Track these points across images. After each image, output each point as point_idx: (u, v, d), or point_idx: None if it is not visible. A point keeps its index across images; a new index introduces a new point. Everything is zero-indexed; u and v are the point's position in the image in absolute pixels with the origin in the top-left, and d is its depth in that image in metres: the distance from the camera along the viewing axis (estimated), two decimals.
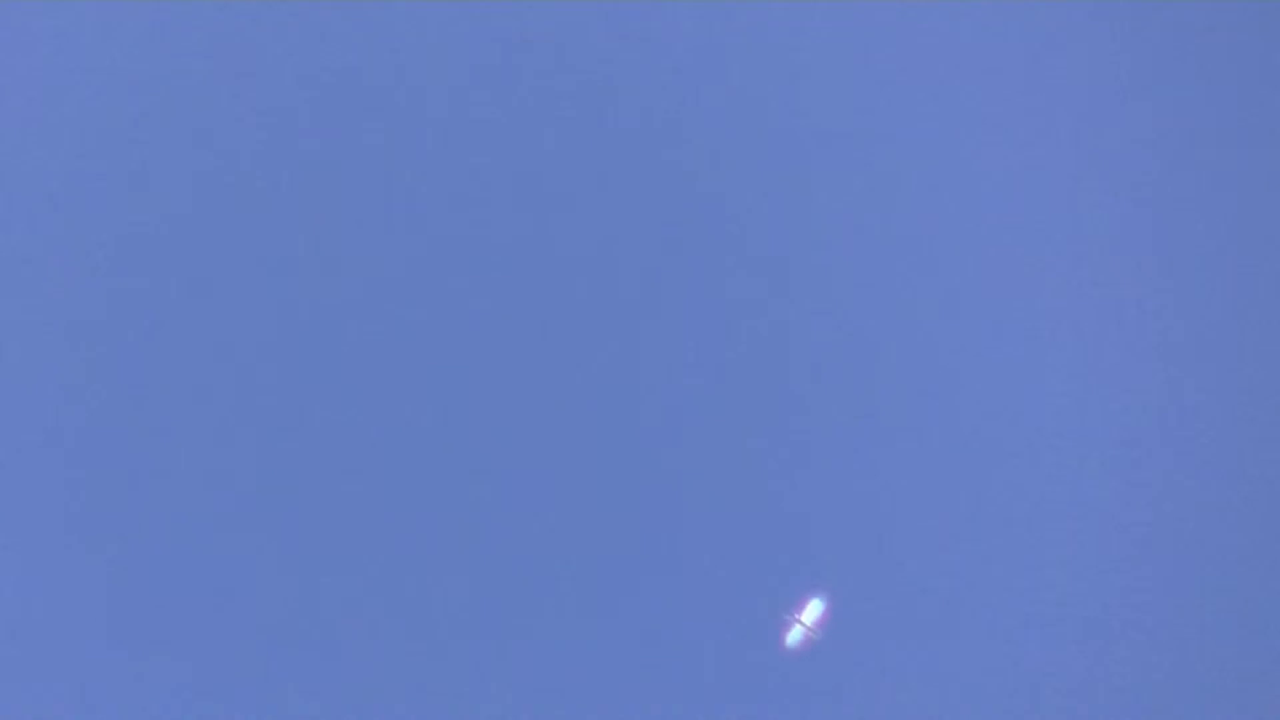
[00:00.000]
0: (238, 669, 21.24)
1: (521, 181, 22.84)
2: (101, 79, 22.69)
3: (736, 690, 21.25)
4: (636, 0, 22.93)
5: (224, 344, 22.22)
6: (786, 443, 21.94)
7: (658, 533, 21.74)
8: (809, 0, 22.83)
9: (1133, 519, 21.41)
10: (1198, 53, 22.35)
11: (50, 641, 21.17)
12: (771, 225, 22.64)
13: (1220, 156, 22.20)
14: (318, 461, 21.94)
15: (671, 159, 22.84)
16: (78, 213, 22.45)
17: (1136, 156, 22.34)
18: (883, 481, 21.73)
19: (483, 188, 22.86)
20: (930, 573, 21.41)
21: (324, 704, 21.21)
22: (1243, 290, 21.90)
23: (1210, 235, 22.07)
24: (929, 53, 22.65)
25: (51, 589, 21.32)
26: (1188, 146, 22.29)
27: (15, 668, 20.98)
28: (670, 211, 22.74)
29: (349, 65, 22.99)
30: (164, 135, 22.72)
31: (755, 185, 22.74)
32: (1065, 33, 22.51)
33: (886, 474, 21.76)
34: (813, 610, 21.11)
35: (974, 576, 21.35)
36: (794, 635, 21.09)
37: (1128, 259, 22.13)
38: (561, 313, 22.46)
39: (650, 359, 22.28)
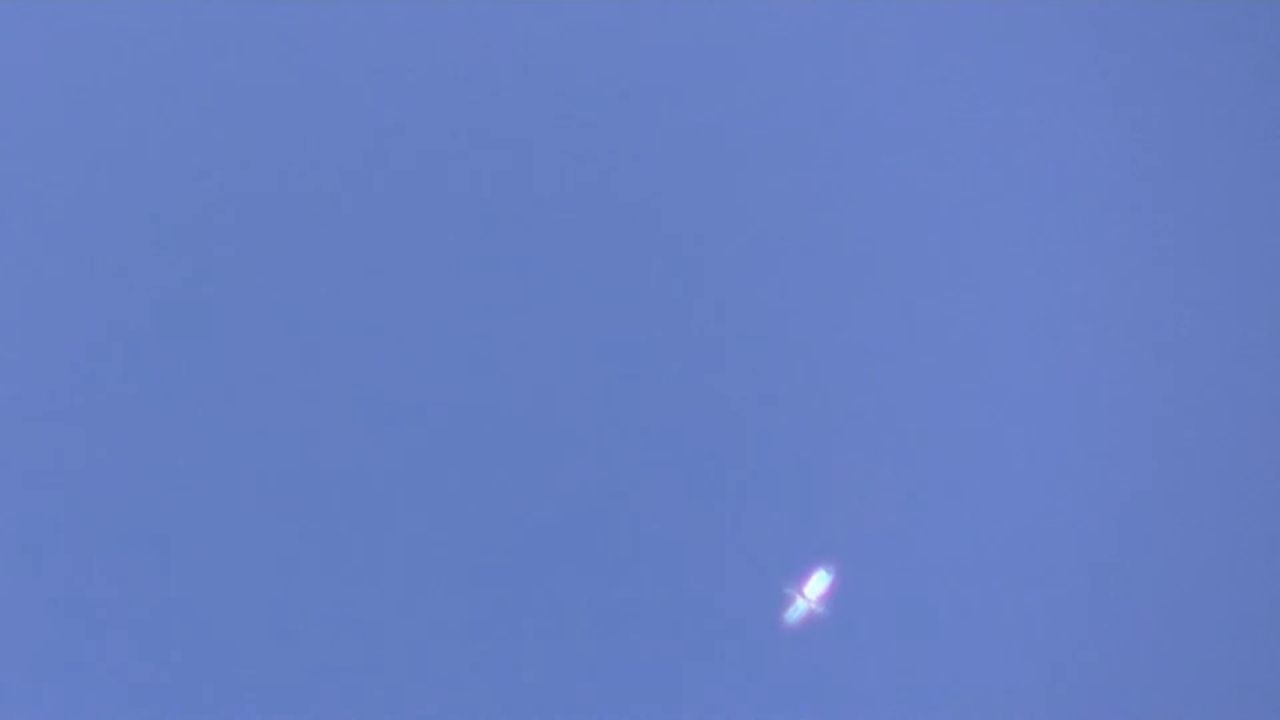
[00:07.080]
0: (238, 668, 21.26)
1: (522, 181, 22.87)
2: (102, 79, 22.72)
3: (735, 690, 21.27)
4: (636, 0, 22.98)
5: (223, 343, 22.25)
6: (786, 442, 21.97)
7: (657, 533, 21.77)
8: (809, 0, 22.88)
9: (1132, 518, 21.44)
10: (1197, 53, 22.39)
11: (50, 641, 21.19)
12: (769, 224, 22.69)
13: (1220, 157, 22.24)
14: (317, 462, 21.97)
15: (673, 159, 22.88)
16: (77, 212, 22.48)
17: (1136, 156, 22.38)
18: (881, 482, 21.76)
19: (482, 188, 22.90)
20: (929, 573, 21.44)
21: (325, 704, 21.22)
22: (1244, 290, 21.94)
23: (1210, 234, 22.11)
24: (928, 52, 22.69)
25: (51, 589, 21.34)
26: (1188, 146, 22.34)
27: (15, 668, 21.00)
28: (671, 212, 22.78)
29: (348, 65, 23.02)
30: (163, 135, 22.76)
31: (755, 185, 22.78)
32: (1065, 33, 22.55)
33: (885, 474, 21.79)
34: (816, 584, 21.00)
35: (973, 576, 21.38)
36: (796, 610, 20.99)
37: (1127, 258, 22.17)
38: (561, 312, 22.49)
39: (651, 358, 22.31)
